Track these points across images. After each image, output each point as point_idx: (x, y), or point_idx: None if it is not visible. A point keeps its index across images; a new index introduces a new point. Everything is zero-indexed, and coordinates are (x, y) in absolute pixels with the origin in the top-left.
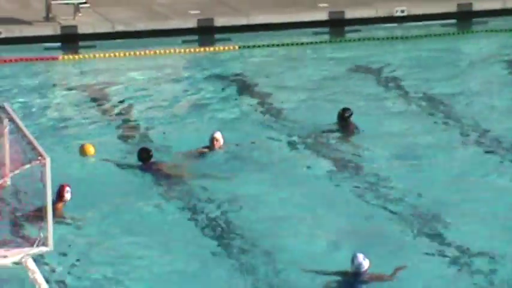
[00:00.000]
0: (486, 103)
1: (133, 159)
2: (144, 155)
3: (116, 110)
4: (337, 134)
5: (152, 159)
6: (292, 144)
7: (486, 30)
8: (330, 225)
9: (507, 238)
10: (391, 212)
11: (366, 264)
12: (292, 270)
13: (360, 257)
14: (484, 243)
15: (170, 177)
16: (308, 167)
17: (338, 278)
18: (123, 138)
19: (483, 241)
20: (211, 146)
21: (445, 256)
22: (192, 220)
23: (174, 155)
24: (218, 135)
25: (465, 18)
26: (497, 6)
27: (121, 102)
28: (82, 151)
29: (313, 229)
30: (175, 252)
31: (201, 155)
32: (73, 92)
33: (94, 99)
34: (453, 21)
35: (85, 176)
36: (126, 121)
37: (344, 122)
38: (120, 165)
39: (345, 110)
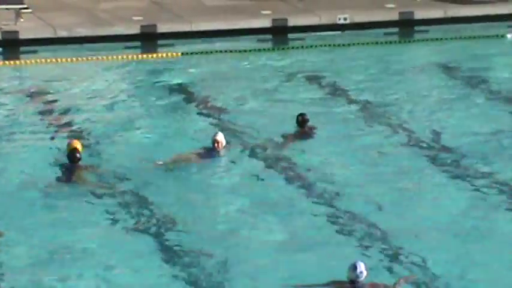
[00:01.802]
0: (426, 110)
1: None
2: (73, 156)
3: (57, 116)
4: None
5: (80, 163)
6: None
7: (427, 39)
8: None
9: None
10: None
11: (365, 273)
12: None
13: (362, 265)
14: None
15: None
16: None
17: None
18: (62, 143)
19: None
20: (213, 148)
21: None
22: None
23: (175, 157)
24: (220, 137)
25: (407, 26)
26: (438, 15)
27: (62, 107)
28: (70, 146)
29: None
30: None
31: (204, 156)
32: (13, 97)
33: (34, 105)
34: (395, 29)
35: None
36: (66, 126)
37: (302, 127)
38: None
39: (302, 115)
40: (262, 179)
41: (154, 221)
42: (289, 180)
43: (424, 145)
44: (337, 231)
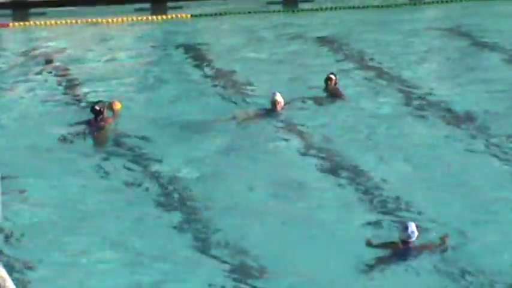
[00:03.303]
0: (439, 74)
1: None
2: (95, 110)
3: (66, 78)
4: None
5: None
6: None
7: (437, 2)
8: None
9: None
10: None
11: (416, 233)
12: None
13: (413, 225)
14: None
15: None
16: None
17: (387, 249)
18: (71, 105)
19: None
20: (273, 108)
21: None
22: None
23: (238, 114)
24: (279, 97)
25: None
26: None
27: (71, 69)
28: (110, 108)
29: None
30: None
31: (262, 116)
32: (22, 59)
33: (43, 67)
34: None
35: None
36: (74, 89)
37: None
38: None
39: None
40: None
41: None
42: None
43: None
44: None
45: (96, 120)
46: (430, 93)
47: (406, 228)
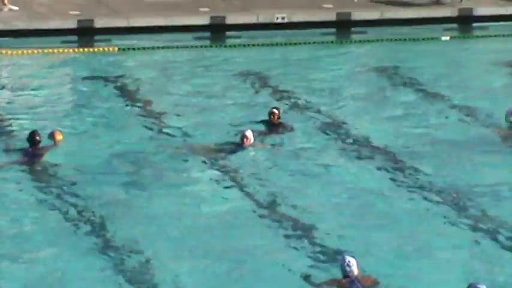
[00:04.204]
0: (364, 111)
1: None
2: (33, 138)
3: None
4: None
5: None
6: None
7: (364, 40)
8: None
9: None
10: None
11: (354, 268)
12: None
13: (350, 259)
14: None
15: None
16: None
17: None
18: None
19: None
20: (241, 144)
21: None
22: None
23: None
24: (249, 133)
25: (344, 27)
26: (375, 16)
27: None
28: (52, 137)
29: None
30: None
31: (231, 150)
32: None
33: None
34: (332, 29)
35: None
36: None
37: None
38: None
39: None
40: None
41: None
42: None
43: (355, 146)
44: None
45: (33, 149)
46: (351, 128)
47: (344, 262)
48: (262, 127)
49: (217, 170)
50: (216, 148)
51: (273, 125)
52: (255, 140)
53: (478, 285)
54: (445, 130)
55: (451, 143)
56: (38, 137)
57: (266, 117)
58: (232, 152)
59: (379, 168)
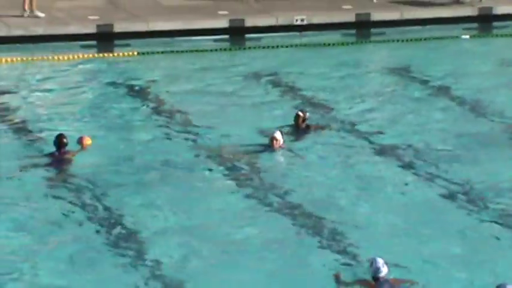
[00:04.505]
0: (382, 112)
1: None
2: (60, 140)
3: (12, 115)
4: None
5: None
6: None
7: (384, 41)
8: None
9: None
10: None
11: (384, 269)
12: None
13: (380, 261)
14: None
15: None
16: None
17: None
18: (19, 141)
19: None
20: (270, 146)
21: None
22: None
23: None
24: (278, 135)
25: (364, 27)
26: (395, 17)
27: (17, 107)
28: (81, 142)
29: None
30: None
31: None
32: None
33: None
34: (352, 31)
35: None
36: (23, 125)
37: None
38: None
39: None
40: None
41: None
42: None
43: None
44: None
45: (59, 153)
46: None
47: (373, 263)
48: (288, 129)
49: (245, 172)
50: (244, 150)
51: (299, 128)
52: (283, 141)
53: (508, 286)
54: (473, 130)
55: (483, 144)
56: (64, 140)
57: (291, 121)
58: (261, 153)
59: (418, 174)
